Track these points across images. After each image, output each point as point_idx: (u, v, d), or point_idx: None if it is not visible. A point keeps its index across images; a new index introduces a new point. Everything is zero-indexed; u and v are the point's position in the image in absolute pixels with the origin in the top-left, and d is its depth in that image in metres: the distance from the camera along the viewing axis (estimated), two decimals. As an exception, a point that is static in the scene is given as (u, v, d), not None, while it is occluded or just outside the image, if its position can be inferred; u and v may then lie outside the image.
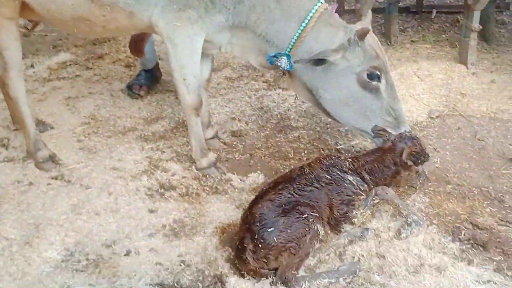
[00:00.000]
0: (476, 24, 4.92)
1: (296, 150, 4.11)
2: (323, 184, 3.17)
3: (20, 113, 3.86)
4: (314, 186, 3.15)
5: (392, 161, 3.30)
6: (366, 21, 3.71)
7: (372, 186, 3.30)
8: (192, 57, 3.51)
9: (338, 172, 3.24)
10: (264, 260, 2.88)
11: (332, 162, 3.29)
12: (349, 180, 3.23)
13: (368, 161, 3.32)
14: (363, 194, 3.26)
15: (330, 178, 3.20)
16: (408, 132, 3.43)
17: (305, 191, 3.11)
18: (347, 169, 3.27)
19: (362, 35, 3.35)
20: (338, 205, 3.16)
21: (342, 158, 3.35)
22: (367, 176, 3.28)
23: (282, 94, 4.90)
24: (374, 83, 3.46)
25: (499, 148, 4.02)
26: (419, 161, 3.29)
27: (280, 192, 3.09)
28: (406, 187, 3.51)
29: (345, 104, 3.53)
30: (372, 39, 3.45)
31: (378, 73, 3.44)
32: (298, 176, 3.20)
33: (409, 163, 3.27)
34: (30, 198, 3.53)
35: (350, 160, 3.33)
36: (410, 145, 3.29)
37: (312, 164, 3.30)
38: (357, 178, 3.26)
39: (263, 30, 3.49)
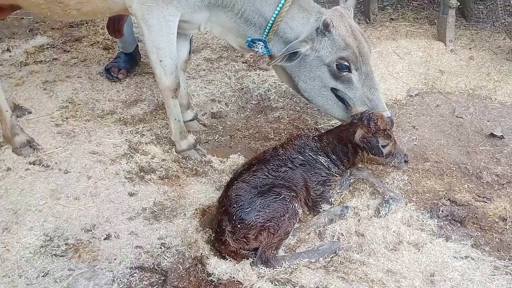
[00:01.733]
0: (454, 1, 4.92)
1: (276, 130, 4.11)
2: (297, 165, 3.19)
3: (-5, 98, 3.80)
4: (288, 167, 3.17)
5: (348, 140, 3.27)
6: (349, 3, 3.59)
7: (342, 166, 3.31)
8: (168, 38, 3.47)
9: (310, 153, 3.26)
10: (244, 240, 2.90)
11: (303, 142, 3.30)
12: (321, 162, 3.25)
13: (330, 140, 3.34)
14: (336, 175, 3.29)
15: (303, 159, 3.23)
16: (370, 112, 3.30)
17: (279, 172, 3.13)
18: (316, 149, 3.28)
19: (326, 25, 3.28)
20: (314, 186, 3.19)
21: (310, 137, 3.36)
22: (332, 156, 3.30)
23: (262, 75, 4.88)
24: (344, 73, 3.39)
25: (477, 125, 4.05)
26: (370, 146, 3.19)
27: (254, 173, 3.11)
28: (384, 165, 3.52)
29: (320, 93, 3.50)
30: (344, 27, 3.35)
31: (347, 64, 3.36)
32: (271, 157, 3.22)
33: (362, 145, 3.22)
34: (8, 184, 3.50)
35: (317, 138, 3.35)
36: (365, 125, 3.22)
37: (284, 145, 3.32)
38: (327, 159, 3.28)
39: (240, 9, 3.45)
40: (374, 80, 3.48)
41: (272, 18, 3.40)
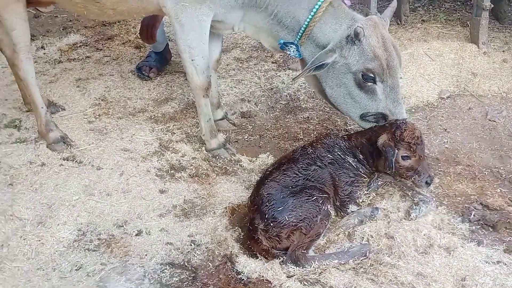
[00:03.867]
0: (487, 3, 4.85)
1: (306, 131, 4.11)
2: (326, 163, 3.20)
3: (30, 94, 3.89)
4: (317, 165, 3.17)
5: (374, 142, 3.22)
6: (386, 14, 3.54)
7: (368, 167, 3.30)
8: (200, 37, 3.50)
9: (339, 152, 3.26)
10: (276, 238, 2.92)
11: (332, 141, 3.30)
12: (349, 162, 3.25)
13: (358, 140, 3.32)
14: (364, 175, 3.28)
15: (332, 157, 3.23)
16: (405, 121, 3.24)
17: (308, 171, 3.13)
18: (345, 149, 3.28)
19: (356, 34, 3.25)
20: (342, 185, 3.19)
21: (340, 136, 3.36)
22: (360, 156, 3.29)
23: (292, 75, 4.88)
24: (369, 84, 3.35)
25: (510, 129, 3.99)
26: (386, 155, 3.12)
27: (284, 172, 3.12)
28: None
29: (344, 101, 3.48)
30: (376, 38, 3.30)
31: (372, 75, 3.32)
32: (301, 156, 3.23)
33: (381, 148, 3.16)
34: (43, 179, 3.57)
35: (346, 137, 3.34)
36: (391, 131, 3.16)
37: (313, 143, 3.32)
38: (354, 159, 3.27)
39: (274, 10, 3.46)
40: (399, 94, 3.43)
41: (306, 23, 3.40)
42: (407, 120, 3.28)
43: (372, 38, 3.30)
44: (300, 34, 3.45)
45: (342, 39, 3.34)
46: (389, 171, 3.18)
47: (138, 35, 5.01)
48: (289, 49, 3.52)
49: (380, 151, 3.19)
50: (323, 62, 3.32)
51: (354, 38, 3.28)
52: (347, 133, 3.55)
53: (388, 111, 3.37)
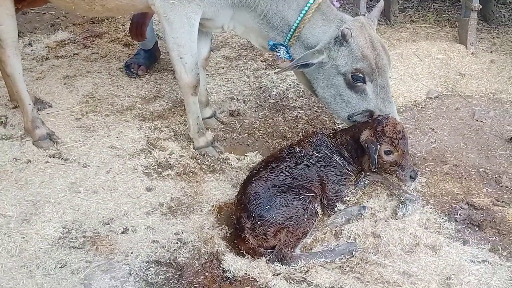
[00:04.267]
0: (476, 4, 4.87)
1: (294, 129, 4.11)
2: (313, 162, 3.20)
3: (17, 91, 3.85)
4: (304, 164, 3.17)
5: (357, 139, 3.22)
6: (373, 14, 3.54)
7: (355, 164, 3.30)
8: (189, 35, 3.49)
9: (326, 151, 3.26)
10: (263, 237, 2.91)
11: (319, 139, 3.30)
12: (336, 160, 3.25)
13: (343, 138, 3.32)
14: (350, 174, 3.28)
15: (319, 156, 3.23)
16: (386, 116, 3.24)
17: (295, 169, 3.13)
18: (332, 147, 3.28)
19: (344, 35, 3.25)
20: (329, 184, 3.19)
21: (326, 134, 3.36)
22: (346, 154, 3.29)
23: (281, 74, 4.88)
24: (359, 84, 3.36)
25: (497, 129, 4.02)
26: (369, 152, 3.12)
27: (272, 171, 3.11)
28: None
29: (335, 101, 3.48)
30: (363, 38, 3.31)
31: (362, 76, 3.33)
32: (288, 155, 3.22)
33: (363, 144, 3.16)
34: (28, 176, 3.55)
35: (331, 135, 3.35)
36: (373, 127, 3.17)
37: (300, 142, 3.32)
38: (341, 157, 3.27)
39: (263, 11, 3.46)
40: (389, 94, 3.43)
41: (295, 24, 3.40)
42: (388, 115, 3.28)
43: (360, 38, 3.31)
44: (289, 35, 3.45)
45: (330, 40, 3.34)
46: (373, 167, 3.18)
47: (128, 32, 4.99)
48: (278, 50, 3.52)
49: (363, 148, 3.20)
50: (308, 62, 3.32)
51: (341, 39, 3.28)
52: (332, 131, 3.55)
53: (378, 110, 3.37)
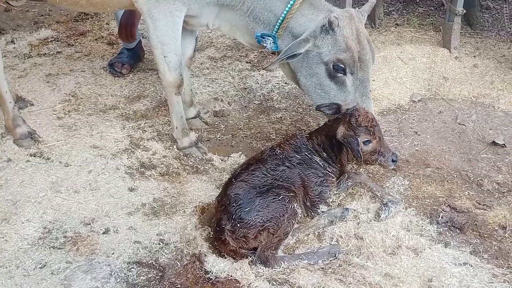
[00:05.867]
0: (460, 8, 4.92)
1: (278, 131, 4.10)
2: (294, 164, 3.20)
3: (-2, 89, 3.80)
4: (286, 166, 3.17)
5: (333, 137, 3.23)
6: (364, 9, 3.54)
7: (334, 164, 3.30)
8: (173, 33, 3.46)
9: (306, 153, 3.26)
10: (243, 239, 2.89)
11: (299, 141, 3.30)
12: (316, 161, 3.25)
13: (318, 138, 3.33)
14: (332, 175, 3.28)
15: (300, 158, 3.23)
16: (355, 107, 3.24)
17: (277, 171, 3.13)
18: (311, 148, 3.28)
19: (330, 23, 3.26)
20: (311, 186, 3.19)
21: (304, 136, 3.36)
22: (324, 154, 3.29)
23: (266, 75, 4.88)
24: (339, 75, 3.36)
25: (479, 133, 4.05)
26: (350, 146, 3.13)
27: (253, 173, 3.10)
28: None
29: (315, 90, 3.48)
30: (350, 29, 3.31)
31: (343, 66, 3.33)
32: (269, 157, 3.22)
33: (342, 140, 3.17)
34: (9, 175, 3.50)
35: (307, 136, 3.35)
36: (346, 121, 3.17)
37: (281, 144, 3.32)
38: (321, 158, 3.28)
39: (250, 7, 3.44)
40: (368, 89, 3.44)
41: (282, 15, 3.39)
42: (356, 106, 3.28)
43: (346, 29, 3.31)
44: (277, 27, 3.44)
45: (316, 28, 3.33)
46: (358, 160, 3.19)
47: (118, 35, 4.96)
48: (266, 41, 3.49)
49: (340, 145, 3.21)
50: (295, 53, 3.32)
51: (328, 27, 3.28)
52: (307, 132, 3.54)
53: (355, 103, 3.35)
